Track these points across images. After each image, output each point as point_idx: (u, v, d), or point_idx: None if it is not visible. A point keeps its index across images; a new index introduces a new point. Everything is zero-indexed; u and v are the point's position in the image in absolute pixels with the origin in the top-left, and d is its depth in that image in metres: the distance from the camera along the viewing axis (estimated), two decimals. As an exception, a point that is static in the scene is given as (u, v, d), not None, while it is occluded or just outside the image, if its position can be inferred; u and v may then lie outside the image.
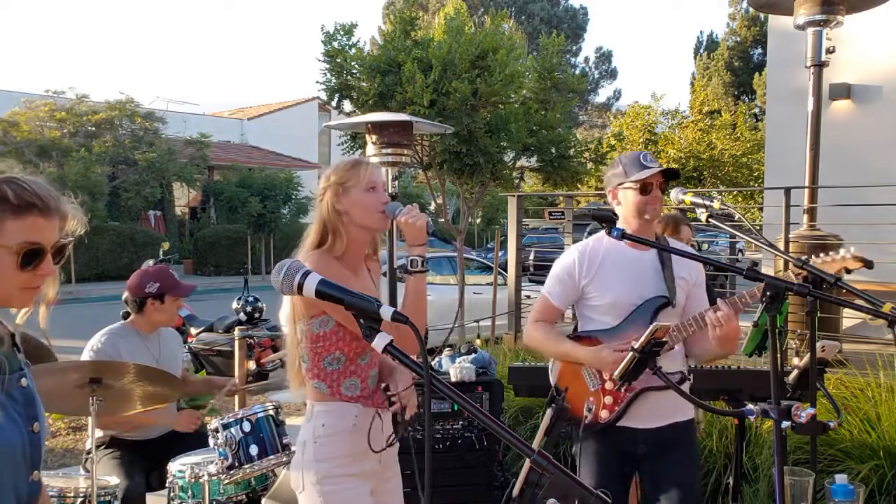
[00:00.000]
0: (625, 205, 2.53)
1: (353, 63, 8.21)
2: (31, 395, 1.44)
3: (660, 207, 2.53)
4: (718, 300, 2.35)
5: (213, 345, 7.47)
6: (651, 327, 2.08)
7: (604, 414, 2.52)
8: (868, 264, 2.27)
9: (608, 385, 2.51)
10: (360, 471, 2.17)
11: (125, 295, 3.54)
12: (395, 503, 2.33)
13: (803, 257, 2.18)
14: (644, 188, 2.47)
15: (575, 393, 2.57)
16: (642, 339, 2.10)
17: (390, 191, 3.84)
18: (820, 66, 5.24)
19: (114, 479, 3.06)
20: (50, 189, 1.41)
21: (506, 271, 7.33)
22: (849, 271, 2.30)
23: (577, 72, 16.20)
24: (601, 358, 2.44)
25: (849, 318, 5.60)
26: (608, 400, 2.51)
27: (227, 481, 3.02)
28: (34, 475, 1.43)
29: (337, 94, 8.39)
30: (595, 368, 2.53)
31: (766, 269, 5.50)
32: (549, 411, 2.57)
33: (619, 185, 2.53)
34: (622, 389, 2.47)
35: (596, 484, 2.50)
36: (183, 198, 24.52)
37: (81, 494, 2.85)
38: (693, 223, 3.80)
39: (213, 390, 3.84)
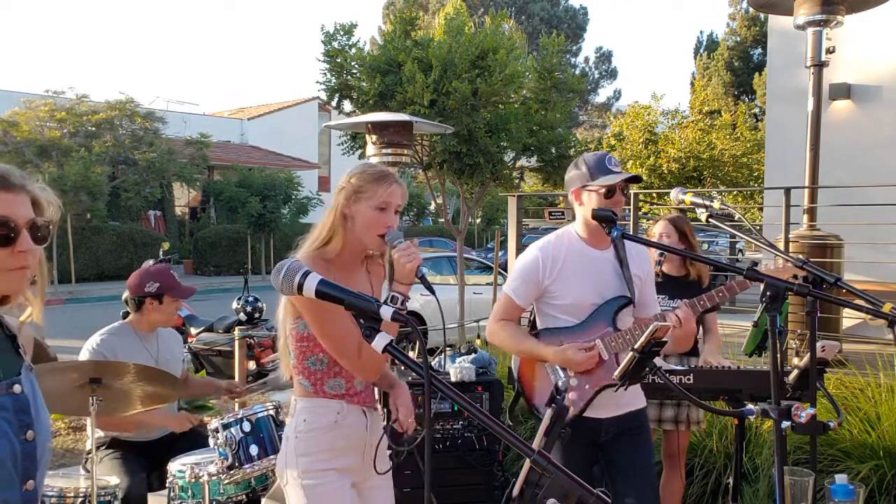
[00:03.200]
0: (587, 207, 2.56)
1: (353, 63, 8.20)
2: (24, 403, 1.37)
3: (621, 212, 2.58)
4: (680, 301, 2.47)
5: (213, 345, 7.47)
6: (651, 327, 2.07)
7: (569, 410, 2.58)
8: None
9: (573, 381, 2.57)
10: (342, 466, 2.19)
11: (125, 295, 3.53)
12: (384, 499, 2.33)
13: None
14: (608, 192, 2.50)
15: (539, 388, 2.67)
16: (642, 339, 2.10)
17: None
18: (820, 66, 5.24)
19: (114, 479, 3.06)
20: (11, 168, 1.37)
21: (506, 271, 7.33)
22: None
23: (577, 72, 16.21)
24: (567, 358, 2.49)
25: (849, 318, 5.60)
26: (572, 396, 2.57)
27: (227, 481, 3.02)
28: (28, 485, 1.36)
29: (337, 94, 8.38)
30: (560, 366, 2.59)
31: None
32: (548, 411, 2.58)
33: (584, 186, 2.55)
34: (586, 386, 2.55)
35: None
36: (183, 198, 24.52)
37: (81, 494, 2.85)
38: (693, 223, 3.79)
39: (214, 392, 3.84)
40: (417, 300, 9.52)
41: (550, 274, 2.59)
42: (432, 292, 2.01)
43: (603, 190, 2.50)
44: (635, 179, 2.58)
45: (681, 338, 2.45)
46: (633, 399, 2.66)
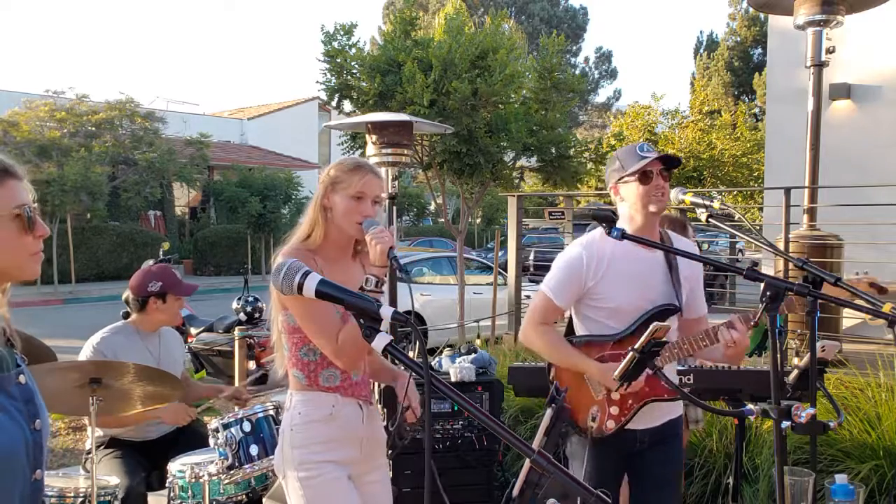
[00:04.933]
0: (628, 199, 2.42)
1: (353, 63, 8.20)
2: (30, 392, 1.40)
3: (665, 198, 2.38)
4: (733, 317, 2.30)
5: (213, 345, 7.46)
6: (651, 327, 2.07)
7: (610, 424, 2.45)
8: (882, 290, 2.21)
9: (614, 395, 2.43)
10: (339, 458, 2.20)
11: (125, 295, 3.54)
12: (380, 493, 2.34)
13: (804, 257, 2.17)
14: (644, 177, 2.36)
15: (577, 400, 2.49)
16: (642, 339, 2.09)
17: (390, 190, 3.84)
18: (820, 66, 5.24)
19: (114, 479, 3.06)
20: (8, 159, 1.42)
21: (506, 271, 7.33)
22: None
23: (577, 72, 16.21)
24: (611, 381, 2.32)
25: (849, 318, 5.60)
26: (614, 410, 2.44)
27: (227, 481, 3.02)
28: (37, 475, 1.38)
29: (337, 94, 8.38)
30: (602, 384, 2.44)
31: (766, 269, 5.50)
32: (549, 411, 2.57)
33: (620, 179, 2.43)
34: (630, 401, 2.42)
35: (595, 487, 2.48)
36: (183, 198, 24.50)
37: (81, 494, 2.85)
38: (693, 223, 3.79)
39: (216, 395, 3.82)
40: (417, 300, 9.52)
41: (595, 273, 2.41)
42: (405, 273, 2.04)
43: (636, 177, 2.36)
44: (669, 159, 2.39)
45: (734, 355, 2.30)
46: (672, 408, 2.53)
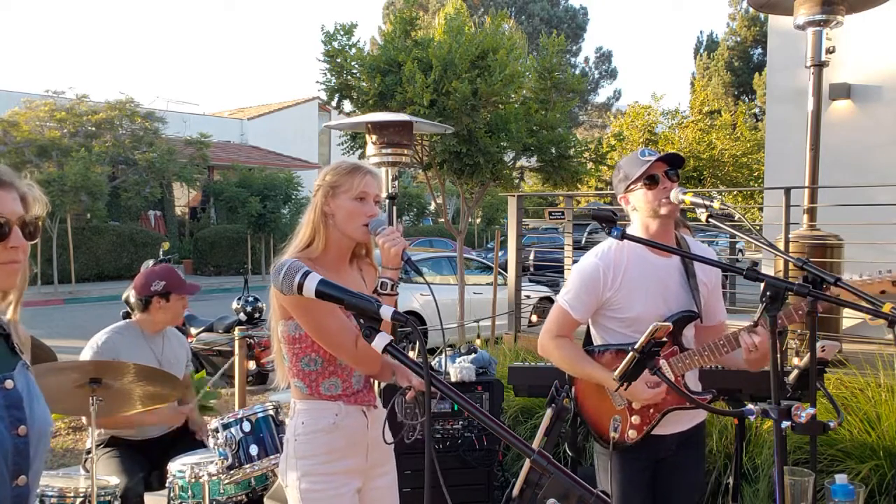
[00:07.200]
0: (638, 207, 2.40)
1: (353, 63, 8.21)
2: (16, 398, 1.39)
3: (676, 198, 2.33)
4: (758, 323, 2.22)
5: (213, 345, 7.48)
6: (651, 327, 2.06)
7: (632, 434, 2.42)
8: None
9: (635, 405, 2.40)
10: (344, 468, 2.18)
11: (125, 294, 3.54)
12: (386, 498, 2.32)
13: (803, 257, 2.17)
14: (650, 181, 2.34)
15: (599, 410, 2.47)
16: (642, 338, 2.09)
17: (390, 191, 3.84)
18: (820, 66, 5.24)
19: (114, 479, 3.06)
20: (2, 166, 1.42)
21: (506, 271, 7.33)
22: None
23: (577, 72, 16.21)
24: (634, 392, 2.30)
25: (849, 318, 5.60)
26: (636, 419, 2.41)
27: (227, 481, 3.02)
28: (20, 480, 1.38)
29: (337, 94, 8.38)
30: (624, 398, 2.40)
31: (766, 269, 5.50)
32: (549, 411, 2.57)
33: (627, 188, 2.40)
34: (651, 410, 2.39)
35: (625, 501, 2.43)
36: (183, 198, 24.51)
37: (81, 494, 2.86)
38: (693, 223, 3.79)
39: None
40: (417, 300, 9.53)
41: (612, 284, 2.38)
42: (420, 274, 2.05)
43: (643, 182, 2.34)
44: (672, 159, 2.36)
45: (757, 360, 2.25)
46: (699, 412, 2.49)
